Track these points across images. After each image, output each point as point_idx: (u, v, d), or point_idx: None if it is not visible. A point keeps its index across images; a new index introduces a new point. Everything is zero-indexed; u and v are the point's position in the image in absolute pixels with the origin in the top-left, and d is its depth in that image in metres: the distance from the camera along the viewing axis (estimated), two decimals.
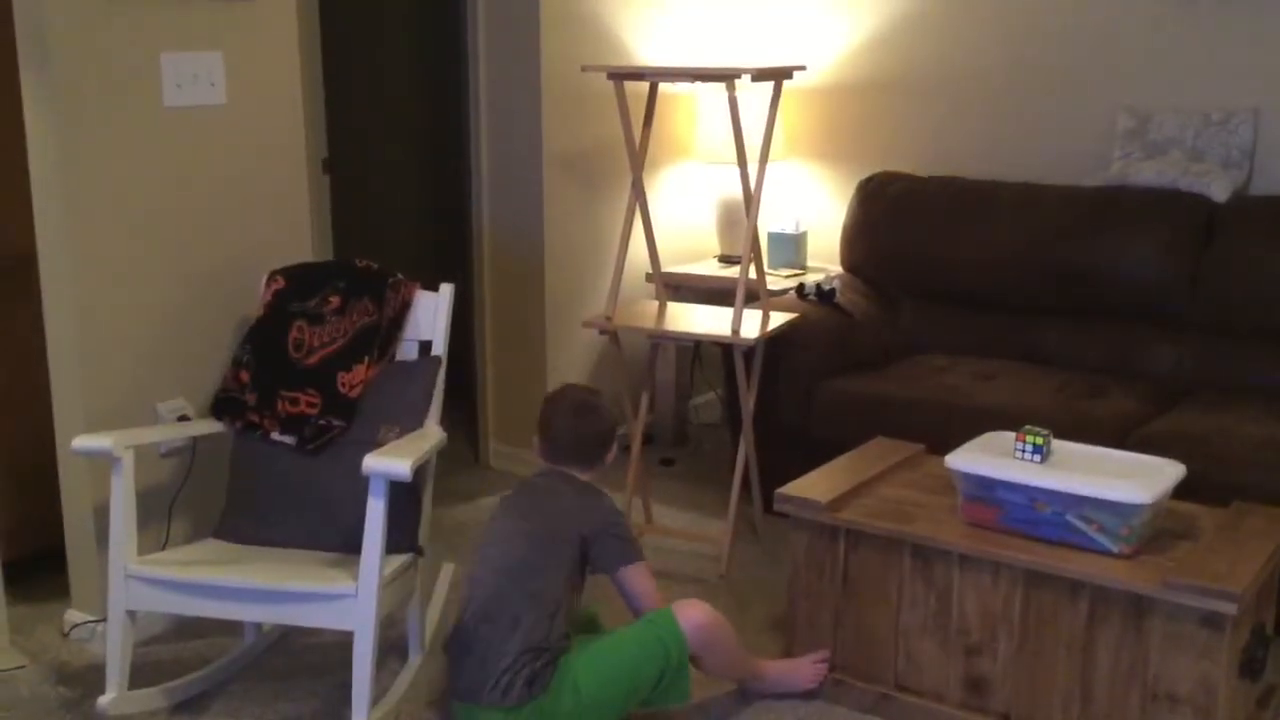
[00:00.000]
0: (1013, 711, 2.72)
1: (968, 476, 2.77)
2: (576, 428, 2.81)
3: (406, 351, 3.17)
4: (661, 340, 3.87)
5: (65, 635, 3.20)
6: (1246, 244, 3.70)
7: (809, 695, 2.91)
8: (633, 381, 3.94)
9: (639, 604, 2.73)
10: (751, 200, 3.60)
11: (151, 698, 2.87)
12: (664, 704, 2.71)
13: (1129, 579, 2.53)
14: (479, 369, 4.51)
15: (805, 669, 2.93)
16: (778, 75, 3.60)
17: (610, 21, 4.40)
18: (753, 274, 3.65)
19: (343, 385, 3.04)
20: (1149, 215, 3.82)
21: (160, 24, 3.08)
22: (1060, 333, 4.01)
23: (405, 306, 3.15)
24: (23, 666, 3.09)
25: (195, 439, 3.13)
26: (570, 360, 4.45)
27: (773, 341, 3.68)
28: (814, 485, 2.99)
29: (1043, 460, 2.74)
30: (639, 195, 3.72)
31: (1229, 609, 2.41)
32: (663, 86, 3.85)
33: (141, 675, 2.91)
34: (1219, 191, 3.80)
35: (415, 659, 3.05)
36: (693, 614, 2.70)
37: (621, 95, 3.62)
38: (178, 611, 2.95)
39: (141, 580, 2.72)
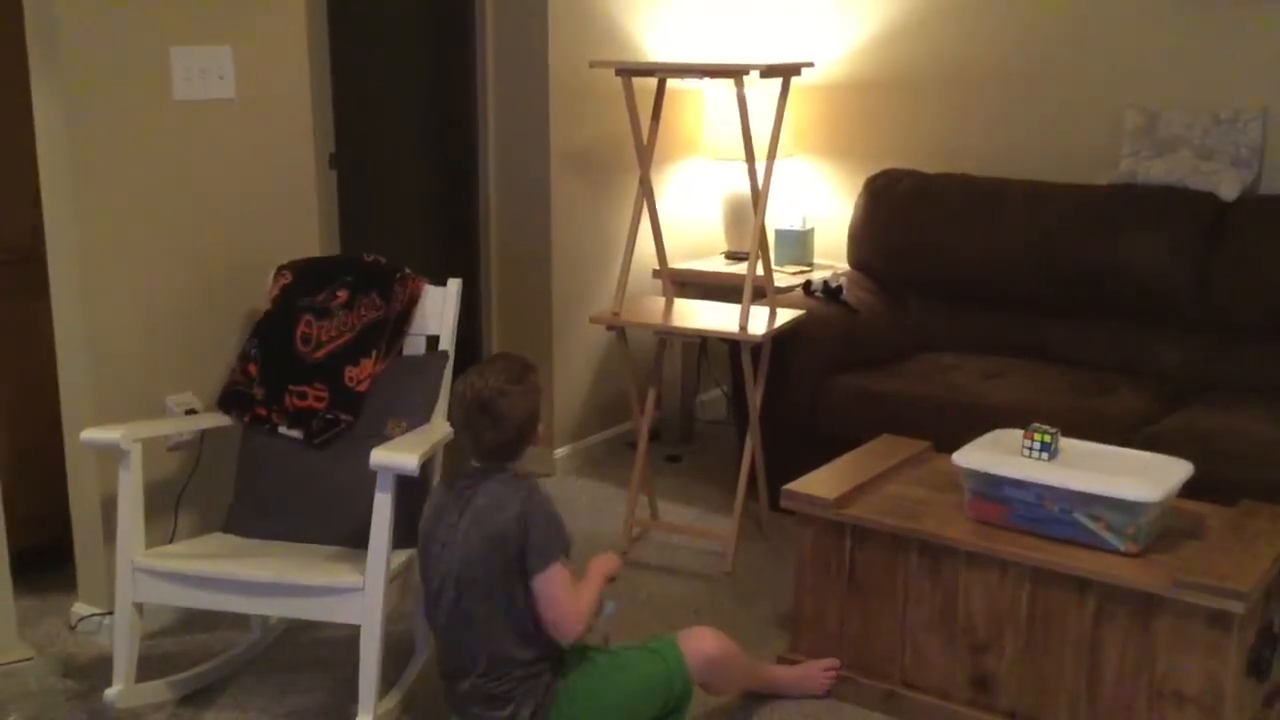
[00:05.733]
0: (1019, 709, 2.72)
1: (975, 474, 2.76)
2: (479, 437, 2.45)
3: (414, 346, 3.16)
4: (668, 336, 3.87)
5: (72, 628, 3.21)
6: (1255, 242, 3.69)
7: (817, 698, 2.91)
8: (639, 378, 3.94)
9: (545, 614, 2.41)
10: (759, 197, 3.59)
11: (158, 690, 2.88)
12: None
13: (1136, 577, 2.53)
14: None
15: (815, 676, 2.91)
16: (786, 72, 3.59)
17: (618, 17, 4.39)
18: (760, 270, 3.65)
19: (350, 380, 3.04)
20: (1158, 214, 3.82)
21: (169, 17, 3.08)
22: (1068, 330, 4.00)
23: (412, 301, 3.15)
24: (30, 659, 3.09)
25: (203, 432, 3.14)
26: (576, 356, 4.45)
27: (779, 338, 3.68)
28: (820, 482, 2.99)
29: (1050, 458, 2.73)
30: (646, 191, 3.72)
31: (1236, 608, 2.41)
32: (671, 83, 3.85)
33: (148, 668, 2.92)
34: (1228, 190, 3.79)
35: (421, 653, 3.05)
36: (700, 647, 2.61)
37: (629, 91, 3.62)
38: (185, 604, 2.96)
39: (149, 573, 2.73)
